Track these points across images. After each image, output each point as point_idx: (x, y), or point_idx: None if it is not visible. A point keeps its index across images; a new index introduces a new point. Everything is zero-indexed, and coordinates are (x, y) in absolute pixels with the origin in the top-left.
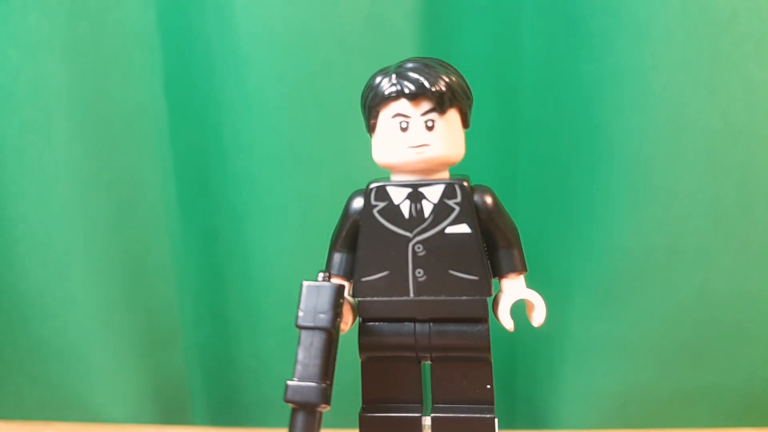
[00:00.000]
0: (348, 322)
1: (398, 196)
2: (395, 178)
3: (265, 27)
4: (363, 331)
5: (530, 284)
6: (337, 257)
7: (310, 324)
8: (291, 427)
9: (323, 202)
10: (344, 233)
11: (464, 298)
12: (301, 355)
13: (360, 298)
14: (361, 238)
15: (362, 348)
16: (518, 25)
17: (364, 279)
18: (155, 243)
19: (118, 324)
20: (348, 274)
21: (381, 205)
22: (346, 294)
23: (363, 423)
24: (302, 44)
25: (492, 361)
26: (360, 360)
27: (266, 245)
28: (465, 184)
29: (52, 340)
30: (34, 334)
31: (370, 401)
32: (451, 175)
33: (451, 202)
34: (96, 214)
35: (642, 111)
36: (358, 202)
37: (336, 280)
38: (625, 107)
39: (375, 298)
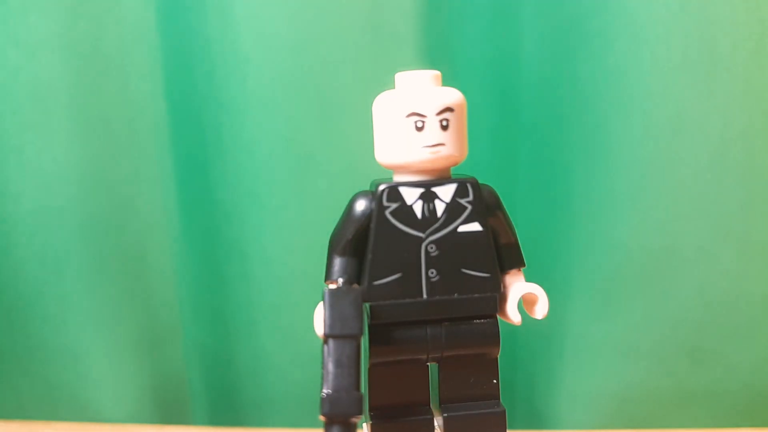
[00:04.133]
0: (363, 329)
1: (411, 196)
2: (399, 178)
3: (265, 26)
4: (374, 336)
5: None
6: (341, 262)
7: (341, 332)
8: None
9: (323, 202)
10: (350, 237)
11: (476, 295)
12: (332, 365)
13: (372, 303)
14: (374, 241)
15: (373, 353)
16: (518, 25)
17: (376, 282)
18: (155, 243)
19: (117, 324)
20: (352, 280)
21: (393, 206)
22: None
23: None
24: (302, 44)
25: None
26: (367, 366)
27: (266, 245)
28: (476, 182)
29: (52, 340)
30: (33, 334)
31: (378, 408)
32: (452, 174)
33: (463, 201)
34: (95, 214)
35: (642, 111)
36: (366, 205)
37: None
38: (625, 107)
39: (388, 302)
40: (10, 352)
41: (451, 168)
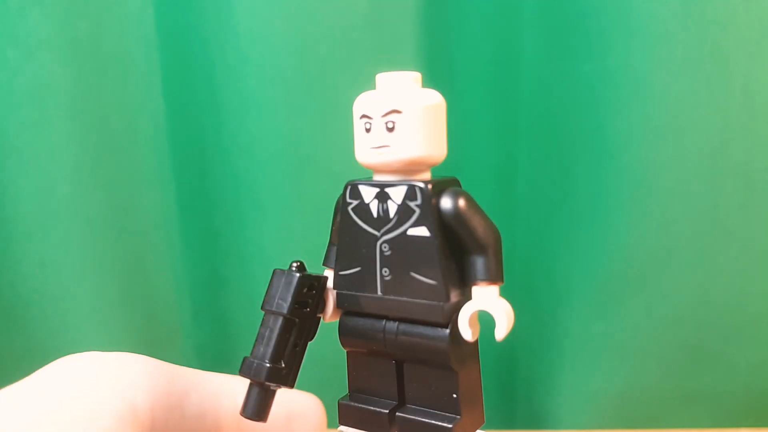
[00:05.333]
0: (328, 313)
1: (368, 194)
2: (376, 177)
3: (264, 26)
4: (341, 323)
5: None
6: (330, 250)
7: (270, 308)
8: (245, 399)
9: (322, 202)
10: (334, 228)
11: (424, 301)
12: (259, 336)
13: (338, 291)
14: (339, 234)
15: (341, 340)
16: (518, 25)
17: (341, 272)
18: (154, 243)
19: (117, 324)
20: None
21: (354, 203)
22: (330, 285)
23: (340, 410)
24: (302, 44)
25: (460, 370)
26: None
27: (265, 245)
28: (428, 186)
29: (51, 341)
30: (33, 334)
31: (354, 391)
32: (433, 175)
33: (412, 204)
34: (95, 214)
35: (642, 111)
36: (341, 199)
37: (328, 272)
38: (625, 107)
39: (350, 292)
40: (9, 353)
41: (432, 168)
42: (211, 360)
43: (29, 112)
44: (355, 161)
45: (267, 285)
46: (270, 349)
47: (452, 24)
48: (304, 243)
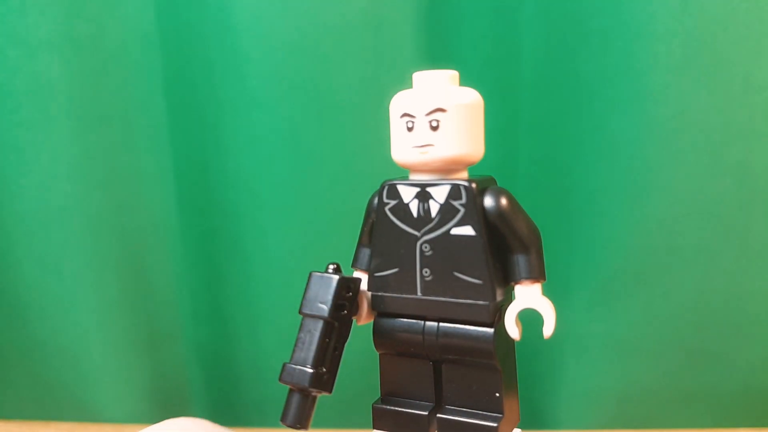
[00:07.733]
0: (362, 316)
1: (408, 194)
2: (412, 176)
3: (264, 26)
4: (376, 325)
5: None
6: (361, 252)
7: (310, 312)
8: (285, 407)
9: (323, 202)
10: (365, 229)
11: (468, 301)
12: (299, 341)
13: (373, 292)
14: (375, 235)
15: (375, 343)
16: (518, 25)
17: (377, 274)
18: (155, 242)
19: (117, 324)
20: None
21: (392, 203)
22: (363, 287)
23: (375, 414)
24: (302, 43)
25: (503, 369)
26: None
27: (266, 245)
28: (472, 185)
29: (51, 340)
30: (33, 334)
31: (387, 394)
32: (470, 175)
33: (456, 203)
34: (95, 213)
35: (642, 110)
36: (375, 199)
37: (358, 274)
38: (624, 107)
39: (386, 294)
40: (9, 353)
41: (469, 167)
42: (211, 359)
43: (29, 111)
44: (355, 160)
45: (267, 284)
46: (311, 354)
47: (452, 24)
48: (305, 242)
